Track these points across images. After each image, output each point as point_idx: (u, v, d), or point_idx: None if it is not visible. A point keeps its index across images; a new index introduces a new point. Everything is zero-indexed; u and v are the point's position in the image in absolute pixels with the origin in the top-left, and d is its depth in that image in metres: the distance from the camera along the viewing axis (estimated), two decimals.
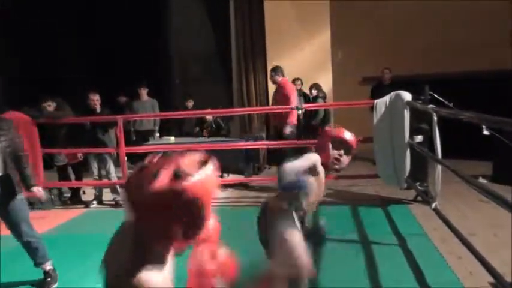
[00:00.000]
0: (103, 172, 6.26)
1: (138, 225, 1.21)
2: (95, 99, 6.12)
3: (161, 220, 1.17)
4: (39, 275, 3.80)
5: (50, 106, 6.22)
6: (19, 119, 6.01)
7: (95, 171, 6.26)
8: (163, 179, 1.14)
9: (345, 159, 2.61)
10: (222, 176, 7.24)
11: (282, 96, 6.51)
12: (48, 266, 3.78)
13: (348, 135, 2.63)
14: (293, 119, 6.49)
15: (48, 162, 6.44)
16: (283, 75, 6.64)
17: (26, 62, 8.75)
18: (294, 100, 6.43)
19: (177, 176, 1.15)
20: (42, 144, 6.15)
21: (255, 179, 6.95)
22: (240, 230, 5.01)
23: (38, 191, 3.63)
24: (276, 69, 6.62)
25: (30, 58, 8.68)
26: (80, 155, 6.36)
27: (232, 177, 6.98)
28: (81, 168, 6.57)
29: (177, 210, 1.16)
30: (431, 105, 4.40)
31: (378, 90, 7.26)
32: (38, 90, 6.46)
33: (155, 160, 1.22)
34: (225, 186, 6.68)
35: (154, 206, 1.15)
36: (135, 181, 1.20)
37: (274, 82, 6.69)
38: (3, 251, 3.93)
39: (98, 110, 6.14)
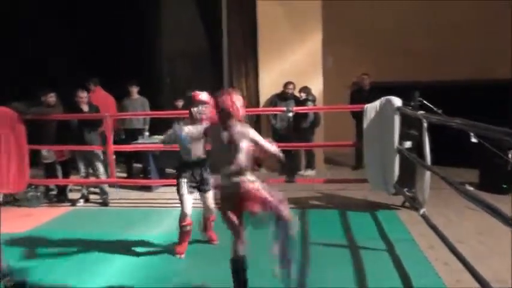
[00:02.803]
0: (91, 171, 6.19)
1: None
2: (83, 96, 6.06)
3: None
4: None
5: (52, 97, 6.17)
6: (6, 115, 5.94)
7: (82, 169, 6.19)
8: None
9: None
10: None
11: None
12: None
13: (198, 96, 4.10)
14: None
15: (36, 160, 6.34)
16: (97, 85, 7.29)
17: (19, 59, 8.63)
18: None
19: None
20: (30, 141, 6.07)
21: None
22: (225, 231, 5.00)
23: None
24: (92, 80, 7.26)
25: (22, 56, 8.57)
26: (67, 153, 6.29)
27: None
28: (69, 166, 6.48)
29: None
30: (421, 112, 4.42)
31: (358, 95, 7.36)
32: (29, 87, 6.37)
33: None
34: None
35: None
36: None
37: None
38: None
39: (86, 108, 6.08)
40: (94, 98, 6.79)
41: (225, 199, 3.20)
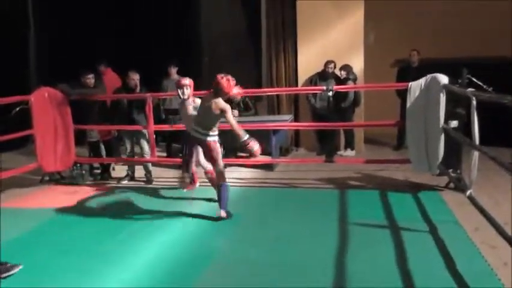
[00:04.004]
0: (137, 150, 6.33)
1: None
2: (136, 78, 6.16)
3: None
4: None
5: (90, 79, 6.31)
6: (52, 96, 6.13)
7: (129, 148, 6.34)
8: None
9: None
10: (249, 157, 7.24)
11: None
12: None
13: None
14: None
15: (81, 139, 6.53)
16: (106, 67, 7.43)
17: (59, 40, 8.86)
18: None
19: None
20: (75, 121, 6.26)
21: (282, 161, 6.91)
22: (265, 209, 5.01)
23: None
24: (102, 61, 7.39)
25: (64, 36, 8.79)
26: (114, 132, 6.44)
27: (258, 158, 6.92)
28: (113, 145, 6.64)
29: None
30: (470, 89, 4.21)
31: (405, 73, 7.07)
32: (71, 67, 6.51)
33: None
34: (252, 166, 6.70)
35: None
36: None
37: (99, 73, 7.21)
38: None
39: (138, 89, 6.19)
40: (105, 79, 7.02)
41: (190, 141, 4.68)
